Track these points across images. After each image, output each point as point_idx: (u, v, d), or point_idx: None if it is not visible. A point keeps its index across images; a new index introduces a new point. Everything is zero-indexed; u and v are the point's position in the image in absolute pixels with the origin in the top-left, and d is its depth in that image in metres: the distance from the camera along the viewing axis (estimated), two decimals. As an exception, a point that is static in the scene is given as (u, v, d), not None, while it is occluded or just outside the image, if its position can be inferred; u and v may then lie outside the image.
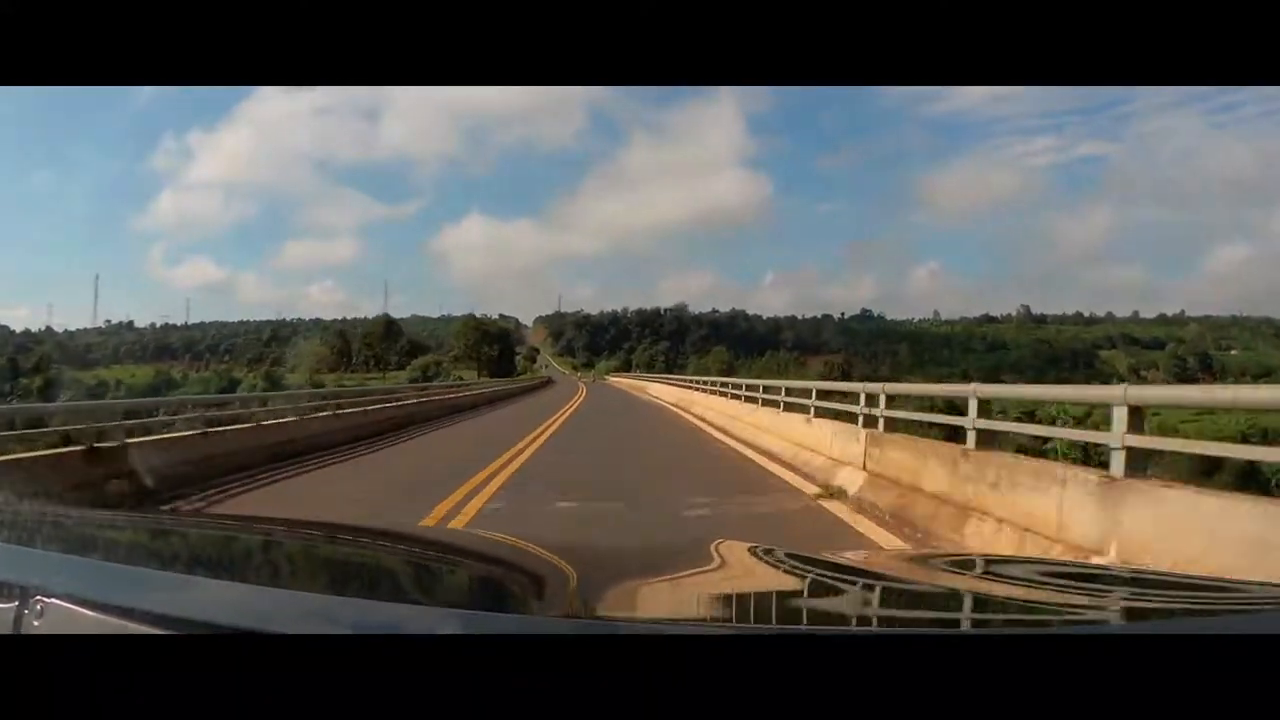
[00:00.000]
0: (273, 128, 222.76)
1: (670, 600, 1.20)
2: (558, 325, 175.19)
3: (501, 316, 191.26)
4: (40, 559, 0.91)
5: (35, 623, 0.75)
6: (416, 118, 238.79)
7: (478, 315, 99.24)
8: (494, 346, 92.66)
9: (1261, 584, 1.14)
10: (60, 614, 0.75)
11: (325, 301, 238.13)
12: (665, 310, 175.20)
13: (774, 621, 1.03)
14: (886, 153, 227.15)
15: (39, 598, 0.76)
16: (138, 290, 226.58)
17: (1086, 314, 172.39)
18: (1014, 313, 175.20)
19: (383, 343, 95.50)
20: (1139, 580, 1.38)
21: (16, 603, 0.76)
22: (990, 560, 1.49)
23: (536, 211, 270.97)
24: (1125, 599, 1.11)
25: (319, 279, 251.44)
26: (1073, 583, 1.25)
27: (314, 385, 70.55)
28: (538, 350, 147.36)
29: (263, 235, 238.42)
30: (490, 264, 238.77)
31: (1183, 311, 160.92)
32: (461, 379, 58.09)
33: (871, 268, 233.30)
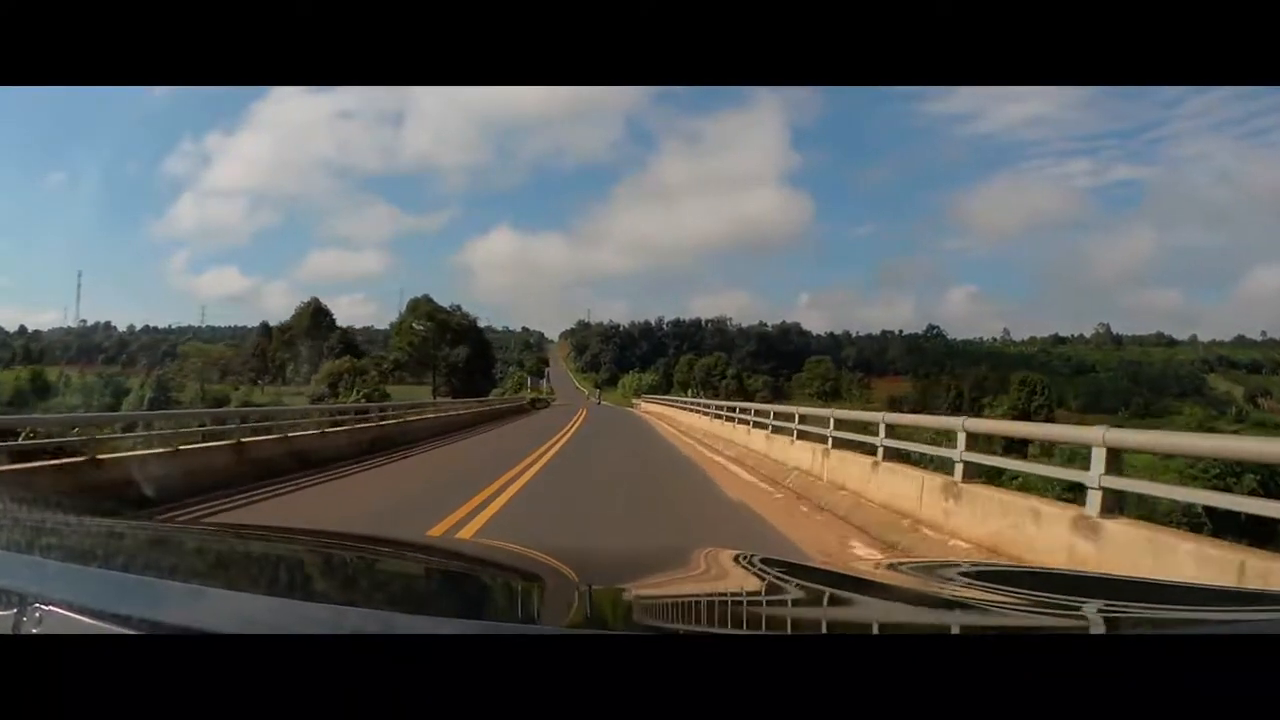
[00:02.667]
0: (293, 132, 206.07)
1: (662, 605, 1.24)
2: (582, 338, 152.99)
3: (525, 330, 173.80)
4: (39, 566, 0.90)
5: (34, 630, 0.75)
6: (442, 124, 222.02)
7: (469, 310, 75.59)
8: (458, 348, 62.47)
9: (1255, 592, 1.32)
10: (58, 621, 0.75)
11: (355, 314, 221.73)
12: (706, 322, 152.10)
13: (760, 625, 1.07)
14: (922, 174, 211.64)
15: (37, 604, 0.76)
16: (162, 297, 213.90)
17: (1168, 334, 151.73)
18: (1088, 333, 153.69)
19: (307, 340, 65.26)
20: (1124, 585, 1.47)
21: (15, 609, 0.76)
22: (972, 567, 1.54)
23: (565, 225, 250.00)
24: (1111, 603, 1.13)
25: (349, 291, 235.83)
26: (1057, 588, 1.29)
27: (215, 402, 50.19)
28: (546, 363, 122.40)
29: (288, 245, 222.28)
30: (517, 279, 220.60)
31: (1264, 332, 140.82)
32: (369, 399, 36.33)
33: (907, 289, 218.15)
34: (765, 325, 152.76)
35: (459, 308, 67.42)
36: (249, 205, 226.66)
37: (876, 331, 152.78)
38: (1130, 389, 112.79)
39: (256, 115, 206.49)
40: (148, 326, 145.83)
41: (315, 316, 70.59)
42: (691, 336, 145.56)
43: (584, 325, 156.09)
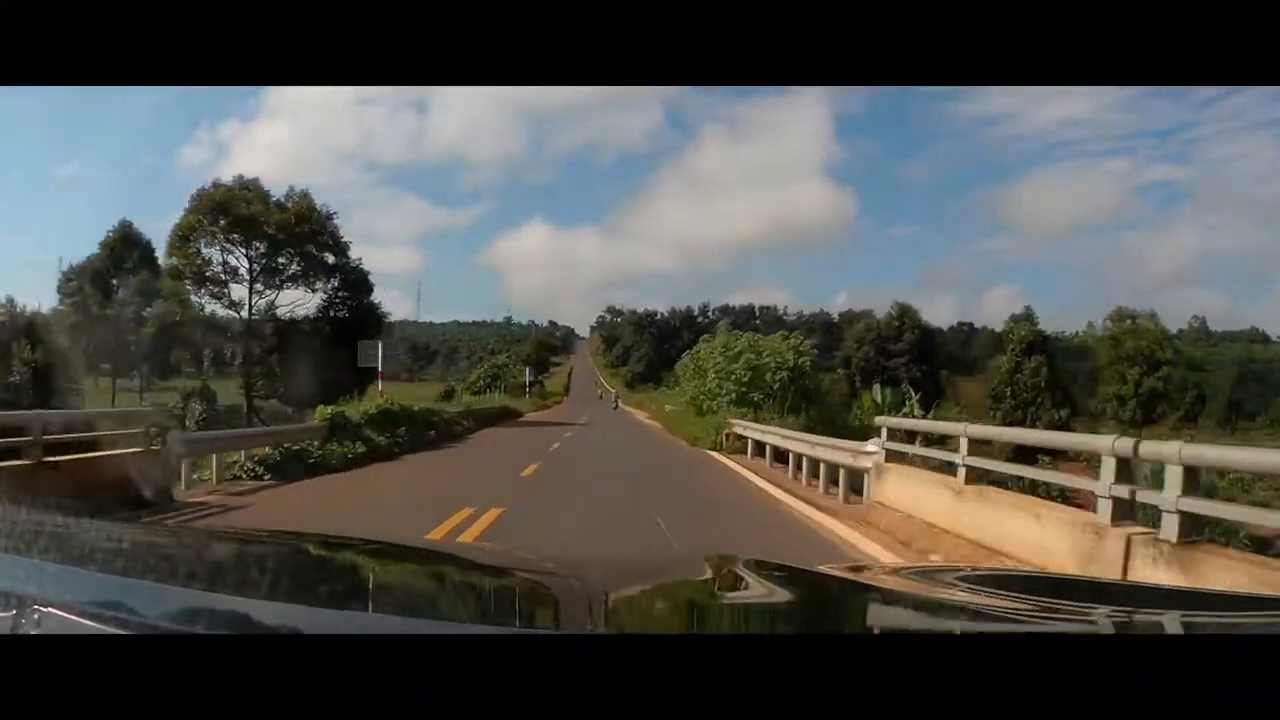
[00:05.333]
0: (313, 120, 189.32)
1: (663, 608, 1.25)
2: (612, 329, 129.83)
3: (552, 324, 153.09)
4: (38, 569, 0.89)
5: (33, 632, 0.74)
6: (471, 113, 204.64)
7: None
8: (303, 291, 27.12)
9: (1257, 596, 1.38)
10: (57, 623, 0.74)
11: (391, 311, 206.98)
12: (760, 309, 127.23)
13: (762, 629, 1.08)
14: (961, 173, 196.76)
15: (36, 607, 0.76)
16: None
17: (1262, 330, 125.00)
18: (1182, 327, 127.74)
19: (100, 294, 33.58)
20: (1127, 590, 1.50)
21: (14, 612, 0.76)
22: (971, 571, 1.60)
23: (600, 220, 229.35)
24: (1113, 608, 1.14)
25: (381, 288, 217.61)
26: (1058, 593, 1.32)
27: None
28: (552, 353, 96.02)
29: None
30: (550, 276, 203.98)
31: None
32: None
33: (947, 289, 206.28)
34: (828, 314, 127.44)
35: (305, 194, 28.72)
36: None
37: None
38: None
39: (271, 104, 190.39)
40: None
41: (119, 251, 36.31)
42: (742, 327, 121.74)
43: (613, 312, 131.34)
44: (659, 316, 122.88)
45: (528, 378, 60.54)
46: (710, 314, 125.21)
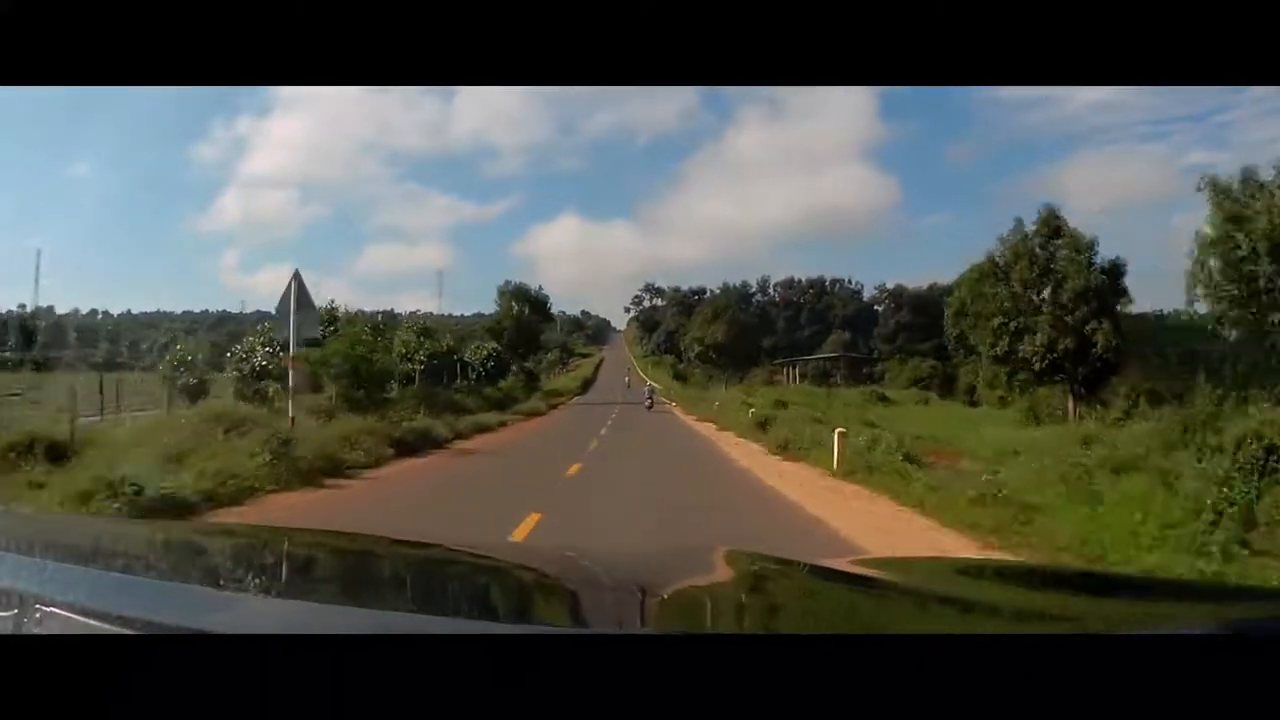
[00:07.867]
0: (330, 113, 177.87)
1: (675, 605, 1.23)
2: (649, 314, 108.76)
3: (584, 313, 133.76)
4: (40, 567, 0.89)
5: (35, 631, 0.74)
6: (496, 102, 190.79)
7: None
8: None
9: (1254, 589, 1.51)
10: (59, 622, 0.74)
11: (423, 310, 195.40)
12: (832, 282, 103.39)
13: (772, 624, 1.09)
14: (994, 162, 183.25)
15: (38, 605, 0.75)
16: (216, 293, 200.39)
17: None
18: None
19: None
20: (1122, 583, 1.55)
21: (16, 610, 0.76)
22: (984, 565, 1.62)
23: (633, 210, 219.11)
24: (1114, 602, 1.16)
25: (411, 288, 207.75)
26: (1057, 585, 1.33)
27: None
28: (544, 319, 67.63)
29: (341, 239, 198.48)
30: (583, 267, 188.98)
31: None
32: None
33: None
34: (915, 289, 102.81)
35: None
36: (296, 199, 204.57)
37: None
38: None
39: (287, 97, 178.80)
40: (95, 310, 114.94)
41: None
42: (812, 306, 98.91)
43: (652, 291, 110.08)
44: (708, 294, 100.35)
45: (288, 342, 11.35)
46: (772, 290, 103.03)
